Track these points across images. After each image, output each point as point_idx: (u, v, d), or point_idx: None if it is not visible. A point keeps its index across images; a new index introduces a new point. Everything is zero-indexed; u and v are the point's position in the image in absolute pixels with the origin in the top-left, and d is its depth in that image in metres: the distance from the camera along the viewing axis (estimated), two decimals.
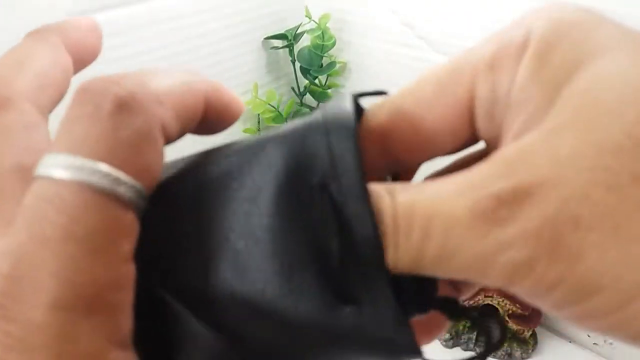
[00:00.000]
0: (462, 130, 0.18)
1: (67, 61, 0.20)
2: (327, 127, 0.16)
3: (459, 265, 0.15)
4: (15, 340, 0.13)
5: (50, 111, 0.19)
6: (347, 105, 0.17)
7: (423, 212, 0.15)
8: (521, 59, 0.16)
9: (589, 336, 0.85)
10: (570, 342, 0.87)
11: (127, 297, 0.15)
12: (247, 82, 0.99)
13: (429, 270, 0.16)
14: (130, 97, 0.15)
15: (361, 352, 0.16)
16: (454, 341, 0.86)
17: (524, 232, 0.14)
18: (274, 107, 1.01)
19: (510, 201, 0.15)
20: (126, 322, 0.15)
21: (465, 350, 0.86)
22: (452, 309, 0.18)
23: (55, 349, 0.13)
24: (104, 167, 0.14)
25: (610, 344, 0.83)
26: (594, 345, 0.85)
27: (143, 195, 0.15)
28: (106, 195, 0.14)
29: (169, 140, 0.17)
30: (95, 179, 0.14)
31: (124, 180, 0.15)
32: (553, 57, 0.16)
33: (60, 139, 0.15)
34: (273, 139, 0.16)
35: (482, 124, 0.18)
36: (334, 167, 0.15)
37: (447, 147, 0.19)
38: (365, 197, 0.15)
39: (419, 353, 0.16)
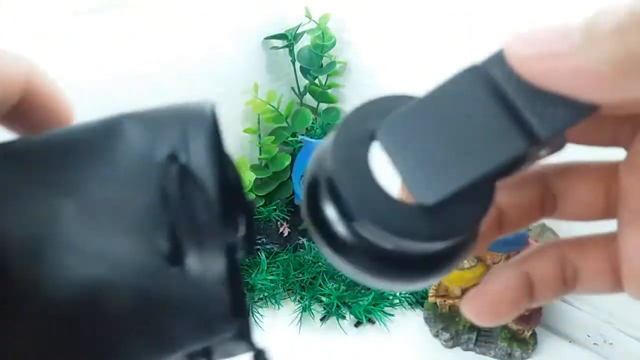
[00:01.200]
0: (532, 214, 0.20)
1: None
2: (182, 114, 0.17)
3: None
4: None
5: None
6: (206, 106, 0.18)
7: None
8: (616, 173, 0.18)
9: (588, 336, 0.85)
10: (570, 342, 0.87)
11: None
12: (247, 82, 0.99)
13: None
14: None
15: (175, 317, 0.16)
16: (454, 341, 0.86)
17: None
18: (274, 107, 1.00)
19: None
20: None
21: (465, 350, 0.86)
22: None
23: None
24: None
25: (610, 344, 0.83)
26: (594, 345, 0.85)
27: None
28: None
29: None
30: None
31: None
32: None
33: None
34: (130, 117, 0.17)
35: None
36: (185, 139, 0.16)
37: (514, 226, 0.21)
38: (211, 163, 0.16)
39: (234, 321, 0.16)
